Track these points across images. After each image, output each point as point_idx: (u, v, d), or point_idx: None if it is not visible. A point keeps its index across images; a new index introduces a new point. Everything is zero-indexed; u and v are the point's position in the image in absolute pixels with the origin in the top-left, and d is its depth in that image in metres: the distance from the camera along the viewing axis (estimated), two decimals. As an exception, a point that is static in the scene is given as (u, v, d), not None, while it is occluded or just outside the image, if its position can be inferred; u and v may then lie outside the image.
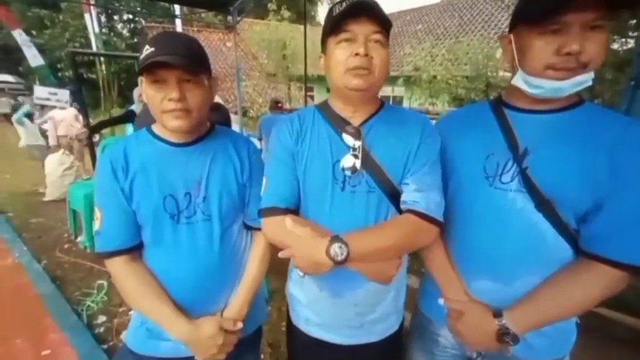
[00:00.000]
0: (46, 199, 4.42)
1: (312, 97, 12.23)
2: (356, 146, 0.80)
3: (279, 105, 4.19)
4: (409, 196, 0.80)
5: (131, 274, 0.84)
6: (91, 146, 3.99)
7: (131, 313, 1.00)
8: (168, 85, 0.76)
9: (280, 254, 0.79)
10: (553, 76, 0.66)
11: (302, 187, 0.85)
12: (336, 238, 0.73)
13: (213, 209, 0.87)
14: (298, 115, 0.89)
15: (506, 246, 0.76)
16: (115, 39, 14.93)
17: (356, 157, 0.80)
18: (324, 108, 0.88)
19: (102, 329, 2.06)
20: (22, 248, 2.96)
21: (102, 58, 8.60)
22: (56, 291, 2.36)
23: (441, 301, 0.86)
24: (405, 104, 10.82)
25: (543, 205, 0.71)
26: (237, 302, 0.92)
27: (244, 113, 7.90)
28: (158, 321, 0.83)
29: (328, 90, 0.93)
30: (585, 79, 0.65)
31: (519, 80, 0.72)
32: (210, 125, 0.94)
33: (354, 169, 0.80)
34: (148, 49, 0.73)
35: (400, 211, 0.83)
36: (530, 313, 0.73)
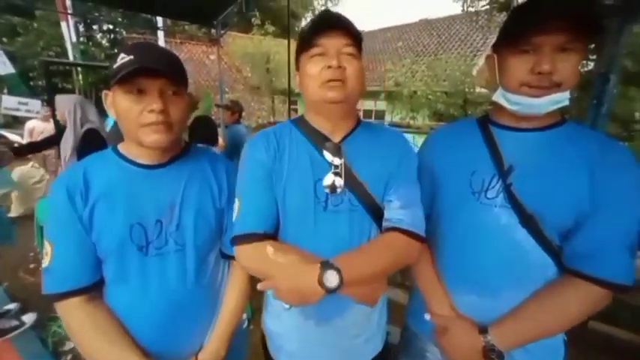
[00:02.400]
0: (11, 214, 4.14)
1: (295, 111, 12.32)
2: (338, 164, 0.78)
3: (236, 111, 3.29)
4: (393, 213, 0.79)
5: (87, 318, 0.72)
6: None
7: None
8: (149, 96, 0.70)
9: (260, 287, 0.72)
10: (528, 93, 0.69)
11: (281, 207, 0.80)
12: (327, 265, 0.68)
13: (188, 238, 0.78)
14: (274, 130, 0.86)
15: (491, 261, 0.77)
16: (93, 49, 14.58)
17: (338, 174, 0.78)
18: (301, 123, 0.86)
19: (69, 357, 1.91)
20: (-20, 269, 2.73)
21: (79, 68, 8.32)
22: (20, 318, 2.17)
23: (427, 316, 0.86)
24: (387, 118, 11.09)
25: (527, 221, 0.72)
26: (213, 344, 0.83)
27: (227, 125, 7.82)
28: None
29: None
30: (560, 97, 0.69)
31: (499, 96, 0.76)
32: (186, 143, 0.87)
33: (337, 188, 0.77)
34: (124, 57, 0.67)
35: (381, 228, 0.81)
36: (515, 329, 0.73)
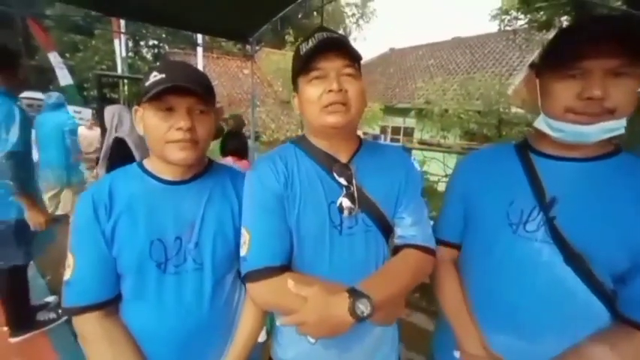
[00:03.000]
0: (58, 212, 4.46)
1: (323, 125, 12.42)
2: (350, 185, 0.77)
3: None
4: (406, 230, 0.79)
5: (104, 334, 0.72)
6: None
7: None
8: (177, 114, 0.71)
9: (282, 323, 0.70)
10: (573, 120, 0.65)
11: (295, 235, 0.77)
12: (356, 293, 0.66)
13: (206, 256, 0.77)
14: (279, 154, 0.83)
15: (531, 300, 0.71)
16: (139, 62, 15.83)
17: (352, 195, 0.76)
18: (304, 145, 0.84)
19: (97, 354, 1.98)
20: (28, 262, 2.95)
21: (125, 80, 9.07)
22: (57, 311, 2.31)
23: (456, 354, 0.81)
24: (417, 136, 10.91)
25: (573, 259, 0.66)
26: None
27: (257, 138, 8.07)
28: None
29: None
30: (614, 125, 0.63)
31: (541, 123, 0.71)
32: (208, 160, 0.88)
33: (351, 209, 0.76)
34: (156, 76, 0.69)
35: (391, 246, 0.81)
36: None
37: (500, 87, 8.54)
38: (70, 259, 0.73)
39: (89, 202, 0.73)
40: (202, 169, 0.85)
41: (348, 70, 0.73)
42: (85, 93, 12.47)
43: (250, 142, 5.37)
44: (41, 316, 2.14)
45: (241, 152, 2.34)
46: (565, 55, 0.65)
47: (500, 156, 0.83)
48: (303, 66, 0.73)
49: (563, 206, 0.69)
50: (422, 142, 9.23)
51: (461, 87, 9.57)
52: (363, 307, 0.64)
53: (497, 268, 0.76)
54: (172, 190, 0.78)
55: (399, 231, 0.80)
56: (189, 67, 0.78)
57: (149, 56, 18.62)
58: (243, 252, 0.76)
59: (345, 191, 0.77)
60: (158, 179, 0.79)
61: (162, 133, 0.71)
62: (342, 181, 0.78)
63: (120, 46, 8.67)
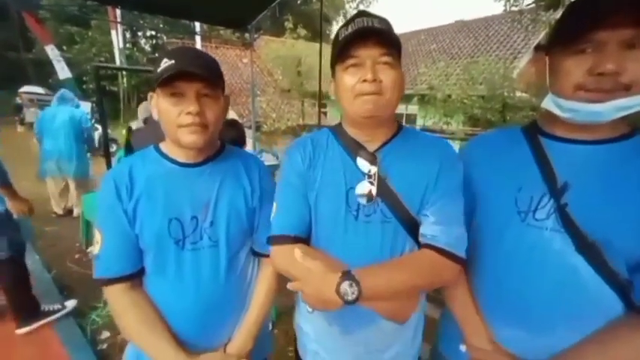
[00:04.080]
0: (75, 210, 4.47)
1: (325, 114, 12.34)
2: (371, 173, 0.76)
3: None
4: (428, 229, 0.75)
5: (130, 303, 0.79)
6: (108, 157, 4.06)
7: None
8: (187, 99, 0.74)
9: (289, 286, 0.75)
10: (584, 98, 0.60)
11: (313, 214, 0.81)
12: (347, 275, 0.67)
13: (221, 234, 0.83)
14: (311, 138, 0.87)
15: (541, 292, 0.68)
16: (137, 54, 15.67)
17: (371, 184, 0.76)
18: (338, 131, 0.85)
19: (105, 345, 2.01)
20: (34, 257, 2.97)
21: (124, 72, 8.98)
22: (62, 302, 2.34)
23: (462, 348, 0.79)
24: (419, 122, 10.78)
25: (586, 248, 0.63)
26: (241, 337, 0.87)
27: (257, 128, 8.02)
28: (155, 357, 0.78)
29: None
30: (629, 103, 0.58)
31: (549, 103, 0.67)
32: (221, 144, 0.91)
33: (369, 197, 0.75)
34: (167, 62, 0.72)
35: (419, 245, 0.77)
36: None
37: (504, 71, 8.36)
38: (97, 235, 0.80)
39: (111, 183, 0.78)
40: (215, 152, 0.88)
41: (385, 59, 0.71)
42: (85, 86, 12.39)
43: (251, 132, 5.34)
44: (46, 306, 2.17)
45: (239, 141, 2.32)
46: (575, 28, 0.60)
47: (507, 140, 0.79)
48: (339, 53, 0.73)
49: (575, 192, 0.65)
50: (425, 129, 9.12)
51: (464, 71, 9.38)
52: (349, 291, 0.65)
53: (505, 259, 0.74)
54: (187, 172, 0.82)
55: (422, 229, 0.77)
56: (197, 52, 0.80)
57: (147, 47, 18.41)
58: (271, 219, 0.84)
59: (366, 179, 0.77)
60: (173, 161, 0.83)
61: (173, 118, 0.74)
62: (365, 168, 0.78)
63: (117, 38, 8.58)
